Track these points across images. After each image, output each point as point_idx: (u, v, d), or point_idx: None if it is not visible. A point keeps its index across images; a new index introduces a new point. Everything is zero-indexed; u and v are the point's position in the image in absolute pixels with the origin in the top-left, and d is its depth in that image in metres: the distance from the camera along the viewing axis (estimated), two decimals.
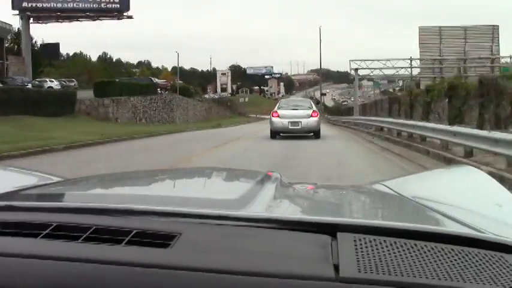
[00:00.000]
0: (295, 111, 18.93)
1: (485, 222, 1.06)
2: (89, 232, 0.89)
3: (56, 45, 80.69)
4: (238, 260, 0.81)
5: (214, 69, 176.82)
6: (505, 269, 0.79)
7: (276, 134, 19.02)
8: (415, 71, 42.82)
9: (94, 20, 58.71)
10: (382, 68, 42.66)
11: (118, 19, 57.58)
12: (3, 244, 0.85)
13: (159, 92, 47.91)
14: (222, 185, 1.87)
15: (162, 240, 0.86)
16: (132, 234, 0.88)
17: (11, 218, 0.98)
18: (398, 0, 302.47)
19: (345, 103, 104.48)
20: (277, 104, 20.42)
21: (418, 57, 41.23)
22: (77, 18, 57.60)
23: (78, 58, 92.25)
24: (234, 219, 0.99)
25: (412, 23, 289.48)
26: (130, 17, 57.55)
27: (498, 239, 0.91)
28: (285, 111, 19.05)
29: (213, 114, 65.89)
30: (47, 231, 0.89)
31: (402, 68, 42.15)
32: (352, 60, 42.49)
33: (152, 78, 53.20)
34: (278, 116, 18.86)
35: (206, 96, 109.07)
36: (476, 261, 0.82)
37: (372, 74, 43.63)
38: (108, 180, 1.90)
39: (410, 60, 41.97)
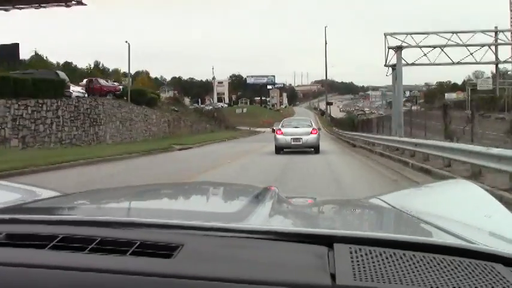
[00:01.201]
0: (297, 129, 20.38)
1: (477, 234, 1.09)
2: (95, 243, 0.89)
3: (14, 46, 63.17)
4: (239, 269, 0.82)
5: (214, 78, 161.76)
6: (494, 277, 0.81)
7: (280, 149, 20.11)
8: (503, 53, 23.67)
9: (37, 7, 43.89)
10: (445, 46, 23.10)
11: (66, 6, 42.81)
12: (11, 254, 0.86)
13: (72, 94, 28.82)
14: (222, 199, 1.89)
15: (166, 251, 0.87)
16: (136, 245, 0.89)
17: (17, 230, 0.98)
18: (404, 6, 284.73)
19: (361, 113, 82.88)
20: (281, 123, 21.77)
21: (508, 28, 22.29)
22: (13, 5, 42.30)
23: (35, 61, 73.88)
24: (234, 231, 1.00)
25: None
26: (80, 3, 41.80)
27: (488, 250, 0.92)
28: (287, 129, 20.51)
29: (184, 129, 47.33)
30: (53, 243, 0.90)
31: (482, 45, 23.09)
32: (391, 34, 23.35)
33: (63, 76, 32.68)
34: (282, 134, 20.28)
35: (195, 105, 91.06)
36: (468, 270, 0.83)
37: (426, 55, 23.65)
38: (111, 194, 1.89)
39: (496, 33, 23.05)
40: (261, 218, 1.20)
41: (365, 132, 32.56)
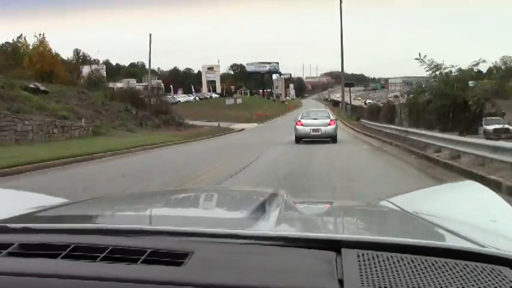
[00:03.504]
0: (315, 121, 20.09)
1: (486, 236, 1.03)
2: (106, 252, 0.86)
3: None
4: (249, 275, 0.79)
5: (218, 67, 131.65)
6: (501, 281, 0.77)
7: (299, 139, 19.81)
8: None
9: None
10: None
11: None
12: (24, 265, 0.83)
13: None
14: (230, 204, 1.79)
15: (176, 258, 0.84)
16: (147, 253, 0.86)
17: (29, 239, 0.95)
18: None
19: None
20: (300, 115, 21.38)
21: None
22: None
23: None
24: (243, 237, 0.96)
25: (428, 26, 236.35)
26: None
27: (496, 253, 0.88)
28: (307, 120, 20.22)
29: None
30: (66, 252, 0.87)
31: None
32: None
33: None
34: (302, 125, 19.95)
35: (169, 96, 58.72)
36: (474, 273, 0.79)
37: None
38: (120, 201, 1.79)
39: None
40: (269, 224, 1.16)
41: None
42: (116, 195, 2.47)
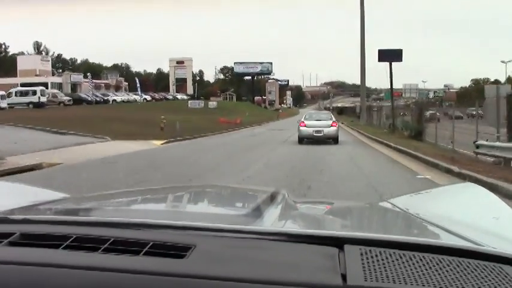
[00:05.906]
0: (318, 122, 20.27)
1: (486, 236, 1.02)
2: (108, 243, 0.83)
3: None
4: (251, 269, 0.76)
5: (200, 71, 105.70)
6: (502, 278, 0.76)
7: (302, 139, 19.95)
8: None
9: None
10: None
11: None
12: (24, 254, 0.80)
13: None
14: (232, 201, 1.77)
15: (178, 251, 0.81)
16: (149, 245, 0.83)
17: (31, 230, 0.92)
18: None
19: None
20: (304, 116, 21.45)
21: None
22: None
23: None
24: (245, 232, 0.93)
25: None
26: None
27: (497, 252, 0.86)
28: (310, 121, 20.37)
29: None
30: (67, 243, 0.84)
31: None
32: None
33: None
34: (305, 126, 20.09)
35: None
36: (477, 271, 0.78)
37: None
38: (122, 196, 1.78)
39: None
40: (272, 220, 1.13)
41: None
42: (120, 190, 2.09)
